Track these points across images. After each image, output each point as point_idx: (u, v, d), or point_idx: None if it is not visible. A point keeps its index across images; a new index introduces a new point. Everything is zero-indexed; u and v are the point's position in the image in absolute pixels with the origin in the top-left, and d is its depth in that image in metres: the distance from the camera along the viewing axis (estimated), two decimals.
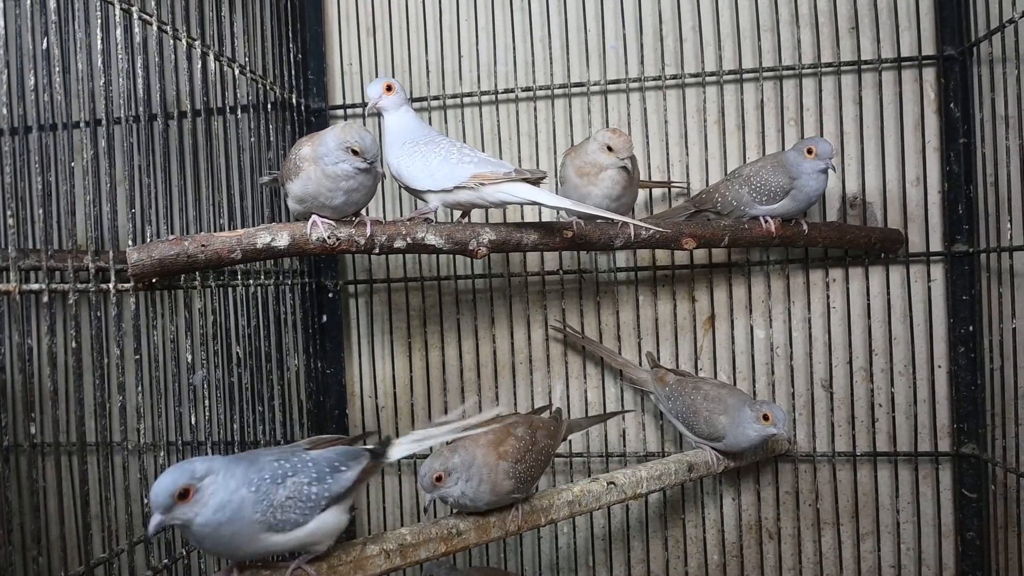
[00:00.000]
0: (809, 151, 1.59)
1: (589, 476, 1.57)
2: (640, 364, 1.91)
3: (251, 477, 1.03)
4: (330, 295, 2.05)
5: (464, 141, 1.89)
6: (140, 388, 1.28)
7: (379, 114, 1.54)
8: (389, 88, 1.49)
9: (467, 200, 1.42)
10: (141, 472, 1.28)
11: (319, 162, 1.30)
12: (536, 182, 1.40)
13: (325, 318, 2.05)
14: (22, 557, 1.06)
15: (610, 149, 1.51)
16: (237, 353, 1.61)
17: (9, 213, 1.03)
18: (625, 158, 1.51)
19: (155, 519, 0.95)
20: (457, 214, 1.58)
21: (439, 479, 1.29)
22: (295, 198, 1.38)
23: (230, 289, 1.60)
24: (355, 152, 1.27)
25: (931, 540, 1.85)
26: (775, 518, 1.92)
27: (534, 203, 1.41)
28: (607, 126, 1.92)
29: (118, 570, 1.21)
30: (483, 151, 1.71)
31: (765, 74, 1.88)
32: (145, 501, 1.28)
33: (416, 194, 1.49)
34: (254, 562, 1.13)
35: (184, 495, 0.96)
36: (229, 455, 1.07)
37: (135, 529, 1.27)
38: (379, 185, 1.45)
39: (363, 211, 1.41)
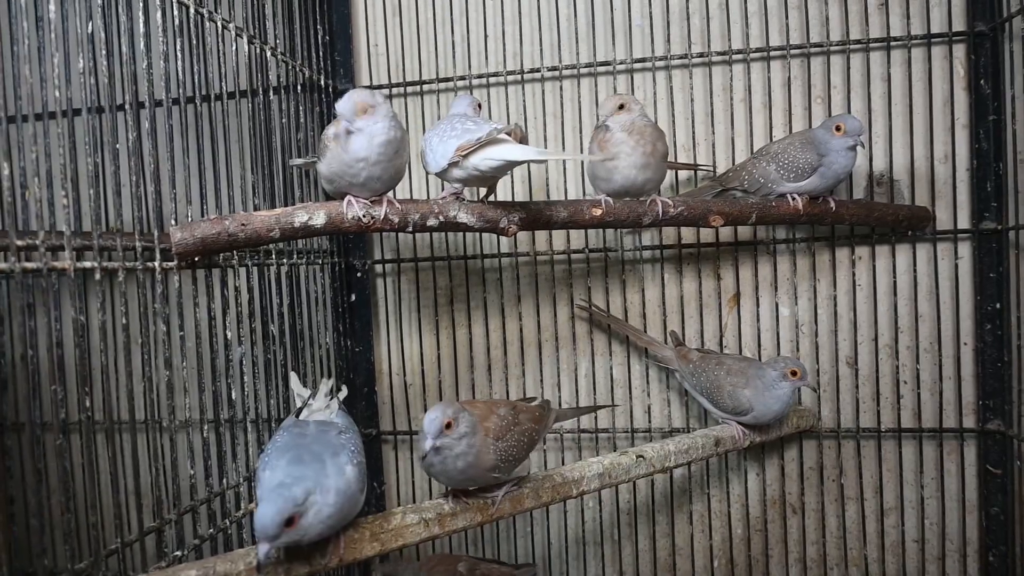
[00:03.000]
0: (838, 128, 1.60)
1: (616, 451, 1.60)
2: (665, 342, 1.93)
3: (344, 458, 1.10)
4: (358, 274, 2.09)
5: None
6: (185, 363, 1.32)
7: None
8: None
9: (462, 175, 1.35)
10: (189, 446, 1.32)
11: (341, 142, 1.32)
12: (522, 141, 1.35)
13: (354, 297, 2.08)
14: (85, 521, 1.10)
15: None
16: (272, 331, 1.65)
17: (63, 193, 1.07)
18: (606, 116, 1.51)
19: (262, 548, 0.99)
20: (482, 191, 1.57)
21: (449, 426, 1.20)
22: (325, 178, 1.40)
23: (265, 268, 1.63)
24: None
25: (955, 515, 1.87)
26: (799, 493, 1.94)
27: (517, 161, 1.32)
28: None
29: (168, 539, 1.26)
30: None
31: (792, 51, 1.87)
32: (191, 471, 1.33)
33: (440, 178, 1.45)
34: None
35: (290, 523, 1.01)
36: (299, 448, 1.11)
37: (182, 499, 1.31)
38: (407, 163, 1.45)
39: (391, 192, 1.43)
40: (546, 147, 1.98)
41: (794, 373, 1.61)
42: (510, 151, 1.30)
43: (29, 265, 1.00)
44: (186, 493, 1.33)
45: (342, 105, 1.30)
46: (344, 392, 1.49)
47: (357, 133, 1.31)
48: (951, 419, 1.86)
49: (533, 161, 1.41)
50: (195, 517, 1.34)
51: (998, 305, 1.79)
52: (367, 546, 1.19)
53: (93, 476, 1.14)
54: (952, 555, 1.87)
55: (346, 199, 1.38)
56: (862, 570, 1.91)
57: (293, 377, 1.53)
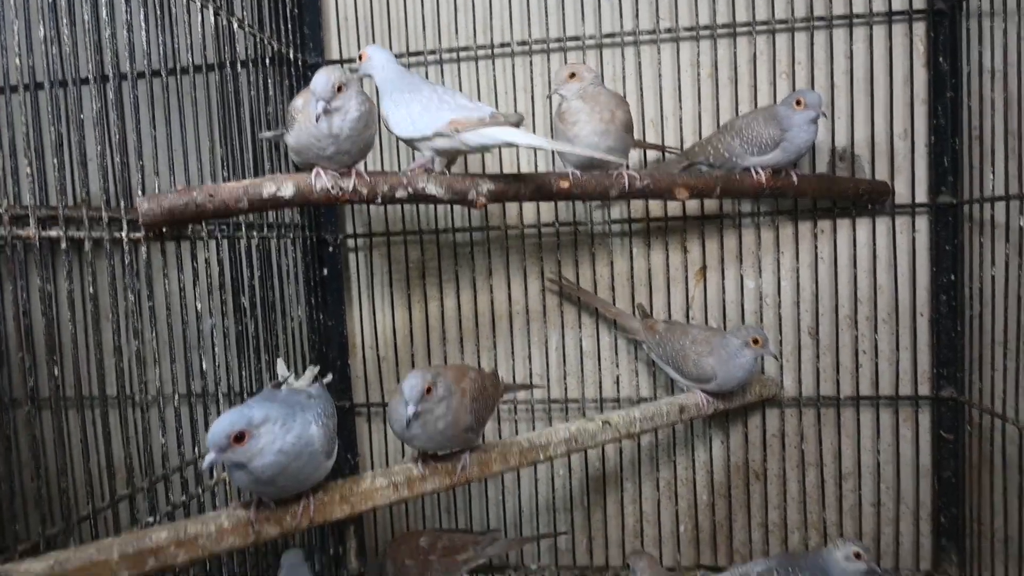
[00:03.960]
0: (798, 102, 1.63)
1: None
2: (633, 314, 1.97)
3: (310, 416, 1.11)
4: (330, 249, 2.09)
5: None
6: (155, 335, 1.33)
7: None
8: (361, 57, 1.52)
9: (447, 146, 1.41)
10: (160, 417, 1.33)
11: (308, 113, 1.31)
12: (516, 125, 1.39)
13: (326, 271, 2.09)
14: (57, 489, 1.12)
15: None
16: (243, 304, 1.66)
17: (26, 162, 1.07)
18: (558, 85, 1.54)
19: (210, 456, 1.01)
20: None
21: (429, 391, 1.23)
22: (293, 150, 1.41)
23: (235, 241, 1.64)
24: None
25: (910, 479, 1.94)
26: (762, 459, 2.00)
27: (511, 144, 1.40)
28: (602, 79, 1.94)
29: (140, 506, 1.27)
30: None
31: (758, 28, 1.90)
32: (162, 442, 1.35)
33: (407, 143, 1.50)
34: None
35: (240, 438, 1.02)
36: (269, 398, 1.13)
37: (155, 469, 1.33)
38: (376, 137, 1.46)
39: (361, 164, 1.44)
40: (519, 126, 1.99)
41: (756, 341, 1.66)
42: (512, 135, 1.36)
43: None
44: (158, 463, 1.35)
45: (319, 85, 1.28)
46: (329, 377, 1.51)
47: (333, 112, 1.31)
48: (907, 387, 1.92)
49: (536, 147, 1.45)
50: (167, 485, 1.36)
51: (953, 277, 1.85)
52: (337, 508, 1.22)
53: (64, 444, 1.15)
54: (906, 517, 1.95)
55: (314, 171, 1.39)
56: (821, 533, 1.99)
57: (280, 364, 1.54)
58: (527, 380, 2.06)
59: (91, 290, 1.19)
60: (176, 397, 1.38)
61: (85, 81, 1.29)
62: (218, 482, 1.50)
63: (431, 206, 2.07)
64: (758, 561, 1.70)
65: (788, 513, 2.00)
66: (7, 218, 1.02)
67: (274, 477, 1.06)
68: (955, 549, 1.90)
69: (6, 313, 1.02)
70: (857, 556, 1.59)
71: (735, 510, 2.03)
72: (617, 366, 2.04)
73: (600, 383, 2.05)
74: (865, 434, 1.95)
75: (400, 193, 1.46)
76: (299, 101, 1.36)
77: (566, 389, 2.06)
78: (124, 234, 1.25)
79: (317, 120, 1.29)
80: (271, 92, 1.82)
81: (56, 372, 1.13)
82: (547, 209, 2.02)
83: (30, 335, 1.06)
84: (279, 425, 1.05)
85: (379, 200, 1.45)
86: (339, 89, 1.30)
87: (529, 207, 2.03)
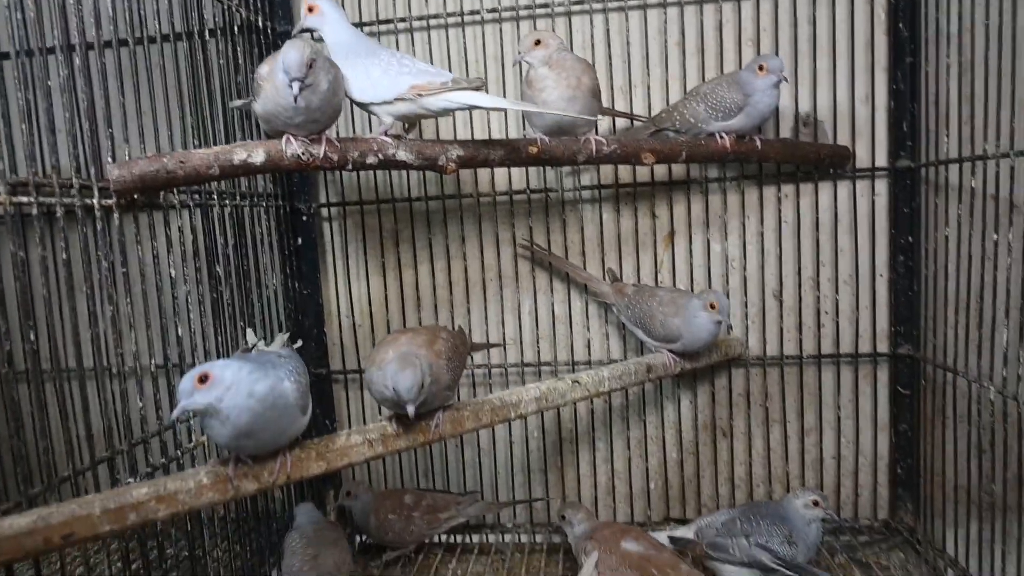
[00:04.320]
0: (760, 68, 1.67)
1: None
2: (603, 279, 2.01)
3: (281, 373, 1.15)
4: (304, 218, 2.11)
5: (431, 64, 1.92)
6: (129, 302, 1.34)
7: (312, 32, 1.54)
8: (311, 9, 1.50)
9: (408, 111, 1.44)
10: (138, 382, 1.36)
11: (275, 81, 1.31)
12: (477, 89, 1.42)
13: (300, 241, 2.11)
14: (36, 451, 1.15)
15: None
16: (218, 272, 1.68)
17: None
18: (524, 53, 1.57)
19: (179, 405, 1.05)
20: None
21: (422, 386, 1.26)
22: (261, 118, 1.41)
23: (208, 209, 1.65)
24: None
25: (868, 433, 2.03)
26: (728, 417, 2.08)
27: (474, 107, 1.43)
28: (571, 46, 1.96)
29: (120, 467, 1.31)
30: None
31: None
32: (140, 405, 1.38)
33: (363, 107, 1.50)
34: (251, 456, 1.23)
35: (203, 379, 1.05)
36: (236, 358, 1.16)
37: (133, 432, 1.35)
38: (343, 104, 1.46)
39: (328, 130, 1.45)
40: (487, 90, 2.01)
41: (712, 306, 1.71)
42: (475, 98, 1.39)
43: None
44: (137, 427, 1.37)
45: (292, 63, 1.26)
46: (299, 343, 1.53)
47: (306, 88, 1.30)
48: (866, 345, 2.00)
49: (494, 108, 1.47)
50: (146, 448, 1.39)
51: (910, 238, 1.92)
52: (313, 465, 1.26)
53: (42, 409, 1.17)
54: (865, 469, 2.04)
55: (284, 137, 1.40)
56: (785, 486, 2.07)
57: (250, 332, 1.57)
58: (501, 346, 2.11)
59: (64, 256, 1.21)
60: (152, 364, 1.41)
61: (52, 51, 1.29)
62: (197, 445, 1.53)
63: (403, 175, 2.09)
64: (722, 511, 1.78)
65: (753, 468, 2.08)
66: None
67: (250, 425, 1.08)
68: (910, 498, 1.99)
69: None
70: (815, 504, 1.67)
71: (703, 466, 2.11)
72: (588, 330, 2.09)
73: (572, 346, 2.10)
74: (827, 391, 2.03)
75: (371, 159, 1.48)
76: (265, 69, 1.36)
77: (539, 353, 2.11)
78: (96, 201, 1.26)
79: (296, 100, 1.29)
80: (240, 60, 1.82)
81: (32, 336, 1.15)
82: (518, 176, 2.05)
83: (3, 300, 1.08)
84: (246, 372, 1.08)
85: (350, 166, 1.47)
86: (310, 65, 1.29)
87: (500, 175, 2.05)
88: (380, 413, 2.11)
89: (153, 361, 1.41)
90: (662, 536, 1.78)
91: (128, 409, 1.33)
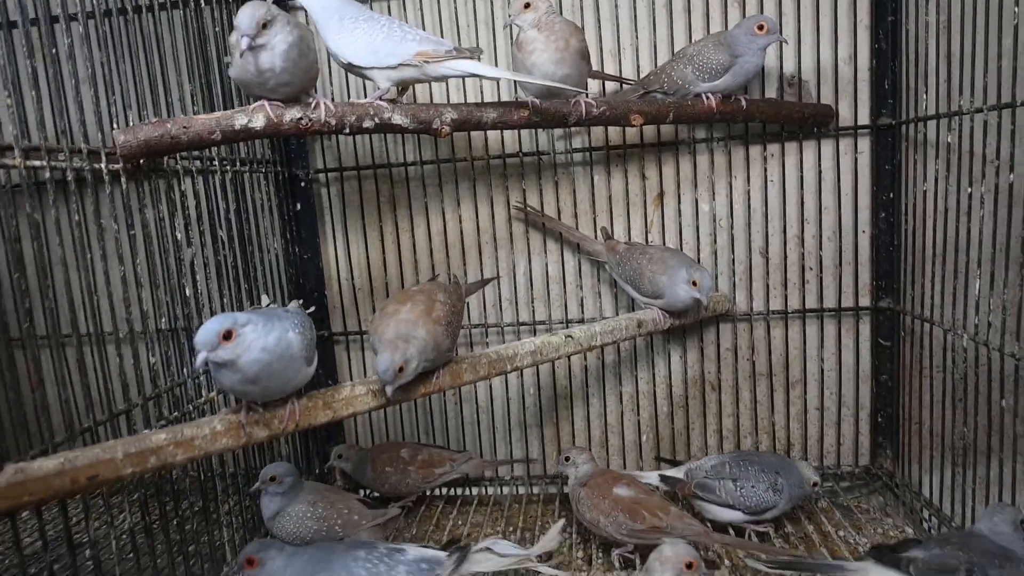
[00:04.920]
0: (760, 27, 1.71)
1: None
2: (596, 237, 2.07)
3: (287, 325, 1.21)
4: (302, 184, 2.16)
5: (424, 29, 1.95)
6: (136, 265, 1.40)
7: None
8: None
9: (411, 76, 1.50)
10: (150, 339, 1.42)
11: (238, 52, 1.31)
12: (477, 58, 1.49)
13: (299, 206, 2.16)
14: (59, 404, 1.21)
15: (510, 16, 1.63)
16: (221, 236, 1.73)
17: (6, 94, 1.12)
18: (513, 16, 1.61)
19: (200, 355, 1.11)
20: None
21: (401, 369, 1.33)
22: (238, 84, 1.45)
23: (210, 175, 1.70)
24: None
25: (851, 384, 2.11)
26: (717, 372, 2.15)
27: (473, 75, 1.51)
28: (560, 10, 1.99)
29: (136, 419, 1.38)
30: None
31: None
32: (151, 362, 1.44)
33: (357, 71, 1.53)
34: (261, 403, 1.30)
35: (228, 336, 1.12)
36: (246, 311, 1.22)
37: (146, 388, 1.42)
38: (317, 65, 1.47)
39: (314, 91, 1.48)
40: (479, 59, 2.04)
41: (694, 283, 1.78)
42: (476, 67, 1.47)
43: None
44: (150, 383, 1.44)
45: (243, 21, 1.28)
46: (312, 309, 1.59)
47: (259, 48, 1.32)
48: (849, 299, 2.07)
49: (497, 78, 1.54)
50: (159, 402, 1.46)
51: (892, 195, 1.98)
52: (320, 414, 1.33)
53: (61, 360, 1.23)
54: (847, 419, 2.13)
55: (260, 103, 1.43)
56: (771, 436, 2.16)
57: (264, 297, 1.63)
58: (497, 306, 2.18)
59: (77, 218, 1.26)
60: (163, 323, 1.47)
61: (56, 19, 1.32)
62: (208, 400, 1.60)
63: (398, 140, 2.14)
64: (713, 456, 1.87)
65: (741, 420, 2.17)
66: None
67: (258, 375, 1.15)
68: (890, 445, 2.08)
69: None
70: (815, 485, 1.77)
71: (692, 419, 2.19)
72: (581, 289, 2.15)
73: (565, 305, 2.17)
74: (811, 344, 2.10)
75: (367, 123, 1.53)
76: (234, 36, 1.34)
77: (533, 312, 2.17)
78: (104, 165, 1.31)
79: (241, 55, 1.30)
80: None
81: (51, 294, 1.21)
82: (511, 140, 2.10)
83: (21, 260, 1.14)
84: (260, 326, 1.15)
85: (347, 130, 1.52)
86: (264, 26, 1.29)
87: (493, 138, 2.10)
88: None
89: (164, 320, 1.48)
90: (653, 476, 1.87)
91: (140, 368, 1.39)
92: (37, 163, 1.17)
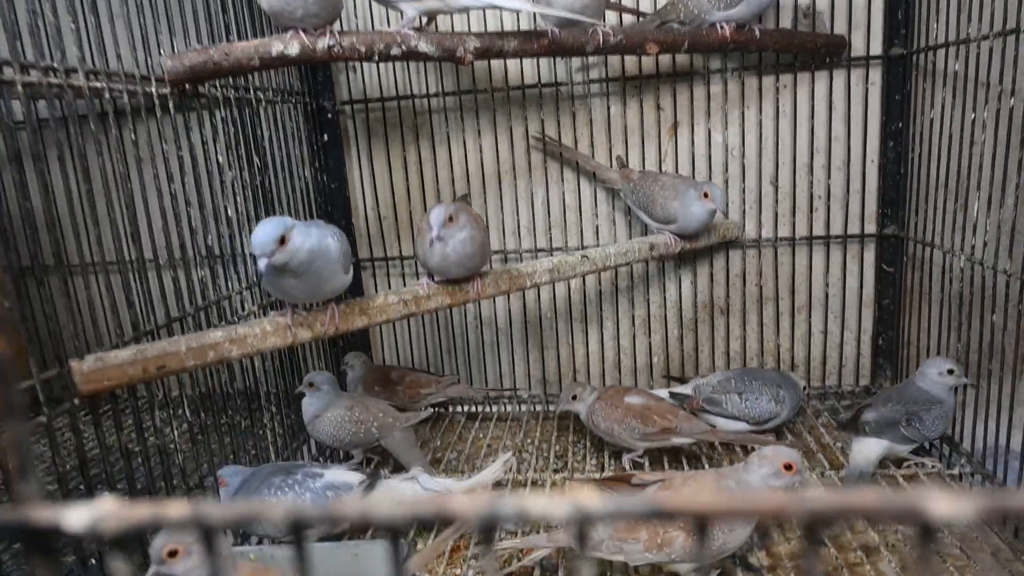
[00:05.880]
0: None
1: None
2: (611, 166, 2.16)
3: (325, 232, 1.32)
4: (329, 115, 2.25)
5: None
6: (183, 185, 1.51)
7: None
8: None
9: (435, 7, 1.58)
10: (197, 254, 1.54)
11: None
12: None
13: (326, 137, 2.25)
14: (126, 308, 1.34)
15: None
16: (256, 163, 1.84)
17: (70, 19, 1.22)
18: None
19: (263, 262, 1.22)
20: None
21: (451, 219, 1.43)
22: (270, 14, 1.53)
23: (245, 104, 1.79)
24: None
25: (854, 309, 2.21)
26: (725, 296, 2.26)
27: (495, 7, 1.57)
28: None
29: (187, 327, 1.51)
30: None
31: None
32: (200, 275, 1.57)
33: (387, 3, 1.62)
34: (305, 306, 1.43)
35: (282, 241, 1.23)
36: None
37: (196, 298, 1.55)
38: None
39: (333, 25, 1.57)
40: None
41: (706, 195, 1.86)
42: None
43: (53, 80, 1.17)
44: (200, 297, 1.57)
45: None
46: None
47: None
48: (855, 227, 2.15)
49: (517, 10, 1.61)
50: (208, 313, 1.59)
51: (900, 124, 2.04)
52: (357, 319, 1.46)
53: (123, 271, 1.36)
54: (850, 342, 2.24)
55: (294, 31, 1.51)
56: (776, 358, 2.28)
57: None
58: (516, 233, 2.28)
59: (133, 137, 1.37)
60: (209, 239, 1.59)
61: None
62: (250, 314, 1.73)
63: (421, 72, 2.21)
64: (719, 373, 1.99)
65: (748, 342, 2.28)
66: (61, 70, 1.19)
67: (307, 273, 1.27)
68: (890, 366, 2.19)
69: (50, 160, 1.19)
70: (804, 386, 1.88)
71: (701, 342, 2.31)
72: (597, 216, 2.25)
73: (581, 232, 2.26)
74: (817, 270, 2.20)
75: (395, 51, 1.61)
76: None
77: (551, 239, 2.28)
78: (154, 89, 1.41)
79: None
80: None
81: (122, 222, 1.33)
82: (530, 71, 2.17)
83: (88, 176, 1.25)
84: (303, 229, 1.26)
85: (375, 57, 1.60)
86: None
87: (514, 70, 2.17)
88: None
89: (210, 238, 1.60)
90: (663, 392, 1.99)
91: (191, 279, 1.52)
92: (97, 84, 1.27)
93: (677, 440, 1.79)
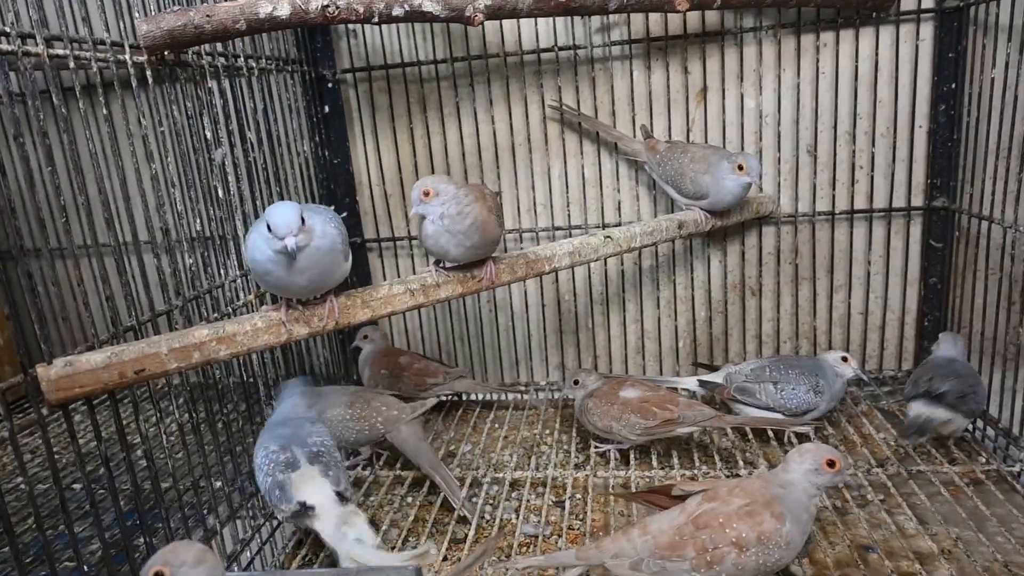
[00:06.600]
0: None
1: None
2: (635, 136, 1.99)
3: (325, 217, 1.20)
4: (329, 85, 2.09)
5: None
6: (169, 159, 1.37)
7: None
8: None
9: None
10: (187, 239, 1.41)
11: None
12: None
13: (327, 108, 2.10)
14: (103, 302, 1.21)
15: None
16: (250, 138, 1.69)
17: None
18: None
19: (290, 240, 1.10)
20: None
21: (426, 194, 1.30)
22: None
23: (235, 73, 1.64)
24: None
25: (897, 288, 2.05)
26: (757, 276, 2.10)
27: None
28: None
29: (176, 320, 1.38)
30: None
31: None
32: (190, 262, 1.43)
33: None
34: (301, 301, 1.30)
35: (303, 221, 1.11)
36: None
37: (185, 291, 1.42)
38: None
39: None
40: None
41: (740, 167, 1.70)
42: None
43: (4, 47, 1.02)
44: (188, 286, 1.44)
45: None
46: (344, 214, 1.56)
47: None
48: (900, 199, 1.98)
49: None
50: (198, 304, 1.46)
51: (953, 85, 1.85)
52: (359, 312, 1.32)
53: (100, 259, 1.23)
54: (892, 323, 2.08)
55: None
56: (811, 341, 2.12)
57: None
58: (532, 211, 2.13)
59: (105, 112, 1.22)
60: (198, 224, 1.45)
61: None
62: (245, 304, 1.60)
63: (428, 36, 2.04)
64: (751, 360, 1.84)
65: (781, 325, 2.13)
66: (14, 34, 1.04)
67: (318, 262, 1.16)
68: None
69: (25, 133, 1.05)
70: (844, 360, 1.74)
71: (731, 324, 2.16)
72: (619, 191, 2.09)
73: (602, 209, 2.11)
74: (857, 247, 2.03)
75: (397, 11, 1.45)
76: None
77: (569, 217, 2.12)
78: (128, 56, 1.26)
79: None
80: None
81: (84, 201, 1.19)
82: (546, 33, 1.99)
83: (50, 154, 1.11)
84: (311, 214, 1.14)
85: (376, 19, 1.44)
86: None
87: (527, 32, 1.99)
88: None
89: (198, 223, 1.46)
90: (691, 382, 1.85)
91: (177, 268, 1.38)
92: (60, 51, 1.12)
93: (682, 430, 1.66)
